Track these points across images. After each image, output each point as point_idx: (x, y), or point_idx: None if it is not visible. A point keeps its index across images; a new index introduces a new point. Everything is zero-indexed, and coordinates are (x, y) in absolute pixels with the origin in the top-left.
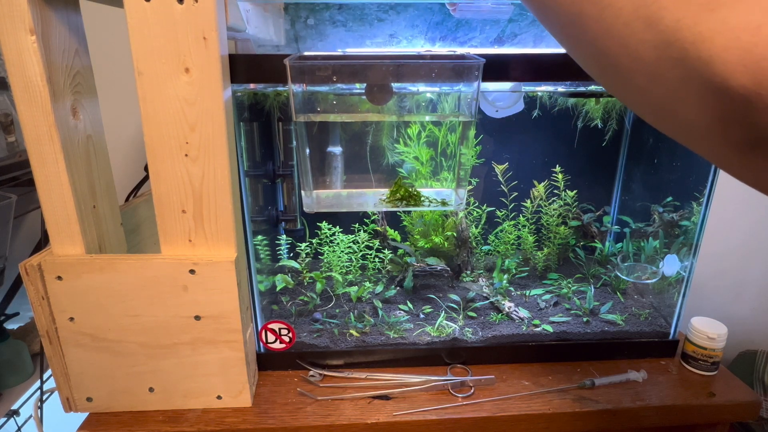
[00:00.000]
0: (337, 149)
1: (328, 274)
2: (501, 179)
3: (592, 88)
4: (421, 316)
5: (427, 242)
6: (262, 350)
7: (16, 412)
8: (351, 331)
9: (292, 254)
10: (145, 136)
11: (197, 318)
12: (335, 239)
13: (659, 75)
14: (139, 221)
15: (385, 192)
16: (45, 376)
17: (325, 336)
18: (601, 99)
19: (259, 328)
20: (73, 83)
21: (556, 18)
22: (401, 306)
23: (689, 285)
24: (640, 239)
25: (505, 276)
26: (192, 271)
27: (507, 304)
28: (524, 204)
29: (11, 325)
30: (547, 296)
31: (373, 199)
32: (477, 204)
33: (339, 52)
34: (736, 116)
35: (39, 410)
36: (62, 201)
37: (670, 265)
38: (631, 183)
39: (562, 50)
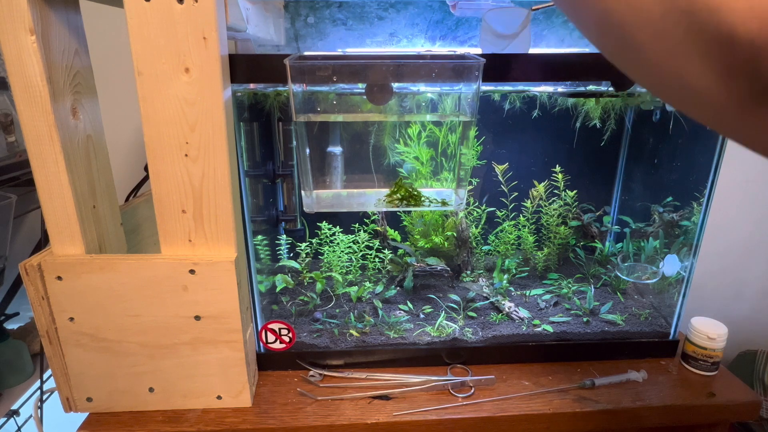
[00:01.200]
0: (337, 149)
1: (328, 274)
2: (501, 179)
3: (592, 88)
4: (421, 316)
5: (427, 242)
6: (262, 350)
7: (16, 412)
8: (351, 331)
9: (292, 254)
10: (145, 136)
11: (197, 318)
12: (335, 239)
13: (664, 30)
14: (139, 221)
15: (385, 192)
16: (45, 376)
17: (325, 336)
18: (600, 99)
19: (259, 328)
20: (73, 83)
21: None
22: (401, 306)
23: (689, 285)
24: (640, 239)
25: (505, 276)
26: (192, 271)
27: (507, 304)
28: (524, 204)
29: (11, 325)
30: (547, 296)
31: (373, 199)
32: (477, 204)
33: (339, 52)
34: (742, 67)
35: (39, 410)
36: (62, 201)
37: (670, 265)
38: (631, 183)
39: (561, 50)
